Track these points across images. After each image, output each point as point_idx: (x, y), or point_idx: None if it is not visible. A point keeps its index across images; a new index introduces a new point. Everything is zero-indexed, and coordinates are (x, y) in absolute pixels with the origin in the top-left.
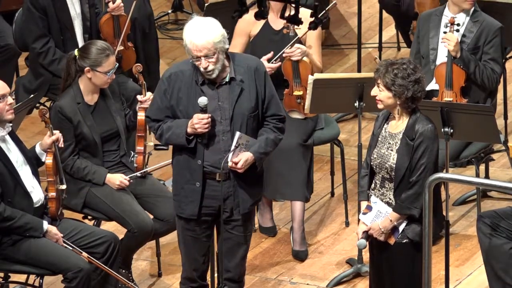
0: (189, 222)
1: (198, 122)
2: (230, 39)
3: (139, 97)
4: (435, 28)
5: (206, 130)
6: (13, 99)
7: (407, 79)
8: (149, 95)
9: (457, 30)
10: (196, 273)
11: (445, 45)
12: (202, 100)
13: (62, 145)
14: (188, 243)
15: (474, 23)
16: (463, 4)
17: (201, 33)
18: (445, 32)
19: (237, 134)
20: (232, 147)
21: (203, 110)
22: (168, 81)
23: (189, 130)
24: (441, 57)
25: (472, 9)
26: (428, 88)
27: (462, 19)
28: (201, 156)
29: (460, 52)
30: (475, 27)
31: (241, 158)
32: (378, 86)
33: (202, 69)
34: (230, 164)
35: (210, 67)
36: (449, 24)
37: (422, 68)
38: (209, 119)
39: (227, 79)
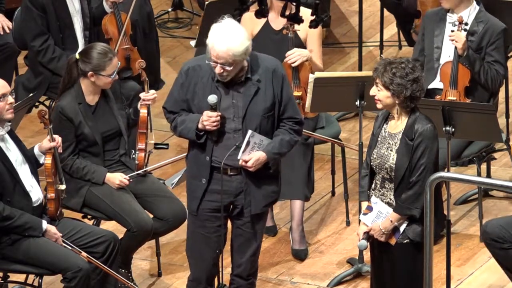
0: (198, 218)
1: (207, 119)
2: None
3: (141, 95)
4: (440, 27)
5: (215, 128)
6: (13, 98)
7: (405, 78)
8: (151, 92)
9: (465, 30)
10: (205, 273)
11: (453, 42)
12: (212, 98)
13: (61, 150)
14: (197, 240)
15: (478, 23)
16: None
17: (225, 42)
18: (452, 31)
19: (249, 132)
20: (243, 145)
21: (213, 108)
22: (186, 74)
23: (200, 125)
24: (445, 56)
25: (477, 9)
26: (432, 86)
27: (466, 18)
28: (210, 153)
29: (466, 51)
30: (479, 27)
31: (252, 157)
32: (377, 86)
33: (216, 72)
34: (240, 162)
35: (224, 74)
36: (457, 23)
37: (425, 66)
38: (218, 117)
39: (243, 78)
